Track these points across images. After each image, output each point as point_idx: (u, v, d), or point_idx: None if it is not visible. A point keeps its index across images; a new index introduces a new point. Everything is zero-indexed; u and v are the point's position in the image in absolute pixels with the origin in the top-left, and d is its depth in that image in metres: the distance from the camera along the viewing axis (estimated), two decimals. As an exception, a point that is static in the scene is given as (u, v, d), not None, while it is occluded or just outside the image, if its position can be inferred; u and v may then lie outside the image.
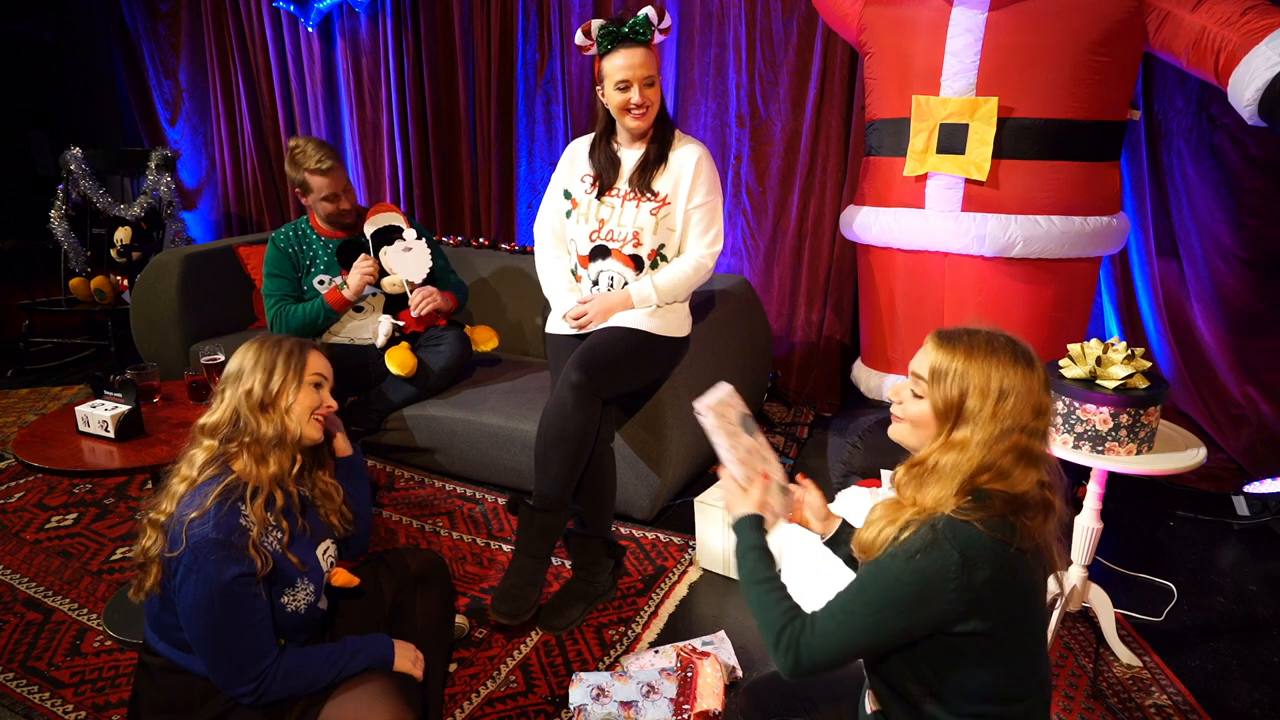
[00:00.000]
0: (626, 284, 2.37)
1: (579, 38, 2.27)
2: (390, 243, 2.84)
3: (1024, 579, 1.13)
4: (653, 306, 2.34)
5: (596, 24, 2.24)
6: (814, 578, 1.97)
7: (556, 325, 2.45)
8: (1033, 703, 1.19)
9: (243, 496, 1.44)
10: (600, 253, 2.38)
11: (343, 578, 1.62)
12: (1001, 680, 1.15)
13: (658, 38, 2.26)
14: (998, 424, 1.14)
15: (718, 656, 1.90)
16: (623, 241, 2.35)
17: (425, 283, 2.86)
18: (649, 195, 2.33)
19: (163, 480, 1.51)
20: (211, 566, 1.35)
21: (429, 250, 2.87)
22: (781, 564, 2.22)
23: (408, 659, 1.56)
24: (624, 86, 2.23)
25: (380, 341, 2.80)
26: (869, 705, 1.28)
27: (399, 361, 2.75)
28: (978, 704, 1.16)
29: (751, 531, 1.31)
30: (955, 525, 1.11)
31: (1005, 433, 1.14)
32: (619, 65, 2.22)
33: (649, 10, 2.22)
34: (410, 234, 2.84)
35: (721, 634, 2.06)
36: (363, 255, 2.79)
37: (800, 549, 2.06)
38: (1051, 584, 2.04)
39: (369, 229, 2.83)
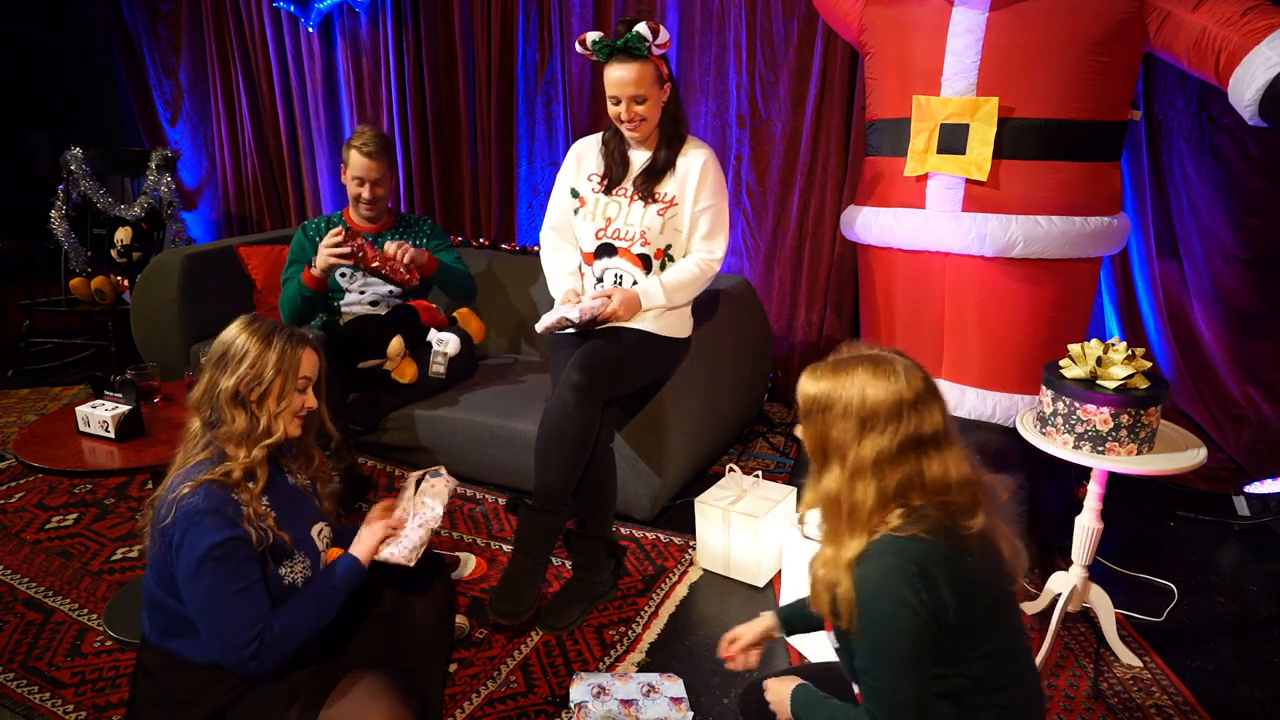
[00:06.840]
0: (636, 283, 2.34)
1: (579, 49, 2.28)
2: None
3: (975, 576, 1.15)
4: (663, 306, 2.31)
5: (590, 38, 2.24)
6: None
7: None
8: (1013, 694, 1.20)
9: (237, 483, 1.44)
10: (606, 250, 2.37)
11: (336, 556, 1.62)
12: (983, 672, 1.17)
13: (656, 52, 2.24)
14: (875, 447, 1.12)
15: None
16: (630, 240, 2.34)
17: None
18: (653, 199, 2.33)
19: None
20: (202, 531, 1.36)
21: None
22: (784, 564, 2.22)
23: (374, 541, 1.57)
24: (615, 100, 2.25)
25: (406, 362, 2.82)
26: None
27: (400, 370, 2.74)
28: (960, 696, 1.17)
29: (808, 694, 1.30)
30: (900, 543, 1.13)
31: (891, 455, 1.12)
32: (612, 79, 2.23)
33: (642, 26, 2.18)
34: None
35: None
36: (334, 231, 2.67)
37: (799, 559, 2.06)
38: (1052, 584, 2.06)
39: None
